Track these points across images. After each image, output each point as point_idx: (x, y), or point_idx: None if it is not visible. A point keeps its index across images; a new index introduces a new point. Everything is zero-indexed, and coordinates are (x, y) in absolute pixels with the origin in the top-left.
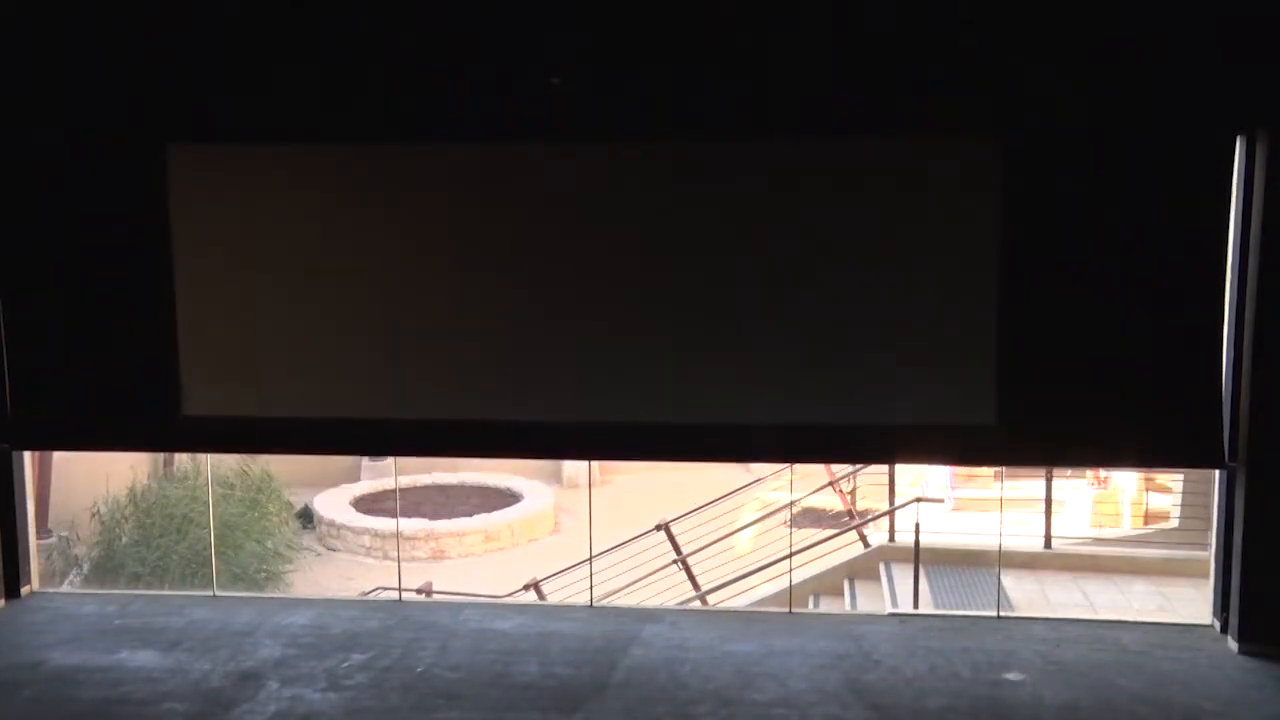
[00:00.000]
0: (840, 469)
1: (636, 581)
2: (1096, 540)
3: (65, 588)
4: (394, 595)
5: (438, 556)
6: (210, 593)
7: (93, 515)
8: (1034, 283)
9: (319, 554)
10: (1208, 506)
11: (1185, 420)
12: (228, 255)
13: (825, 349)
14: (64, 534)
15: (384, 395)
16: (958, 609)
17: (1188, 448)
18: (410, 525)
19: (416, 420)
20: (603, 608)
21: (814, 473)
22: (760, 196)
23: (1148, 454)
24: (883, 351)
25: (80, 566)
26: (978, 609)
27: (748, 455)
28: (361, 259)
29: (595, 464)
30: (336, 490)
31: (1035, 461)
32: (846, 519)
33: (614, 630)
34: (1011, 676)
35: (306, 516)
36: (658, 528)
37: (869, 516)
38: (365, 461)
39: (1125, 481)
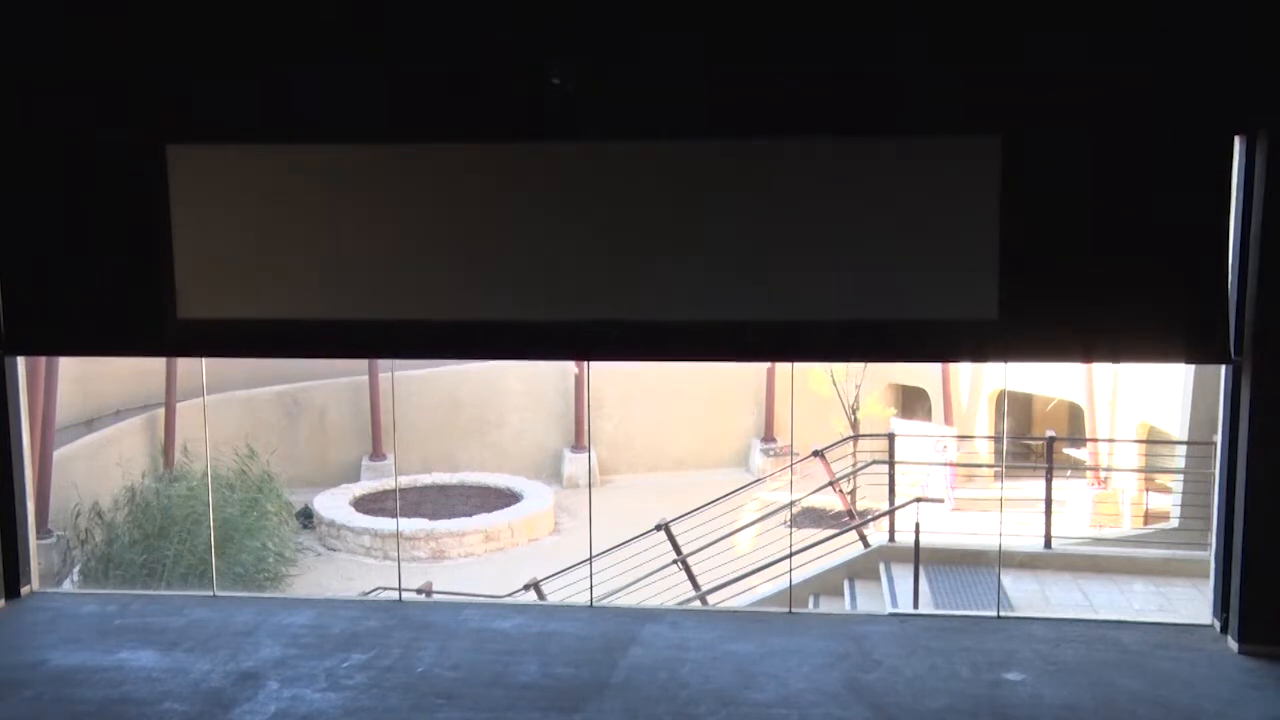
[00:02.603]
0: (840, 469)
1: (636, 581)
2: (1096, 540)
3: (65, 588)
4: (394, 595)
5: (438, 556)
6: (210, 593)
7: (92, 515)
8: (1037, 184)
9: (319, 554)
10: (1208, 506)
11: (1190, 314)
12: (224, 158)
13: (825, 245)
14: (63, 534)
15: (381, 297)
16: (958, 609)
17: (1193, 342)
18: (410, 525)
19: (416, 321)
20: (603, 608)
21: (814, 473)
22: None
23: (1152, 349)
24: (884, 247)
25: (77, 565)
26: (978, 609)
27: (747, 354)
28: (359, 166)
29: (595, 464)
30: (336, 490)
31: (1037, 356)
32: (846, 519)
33: (614, 630)
34: (1011, 676)
35: (306, 516)
36: (658, 528)
37: (869, 516)
38: (365, 461)
39: (1125, 481)
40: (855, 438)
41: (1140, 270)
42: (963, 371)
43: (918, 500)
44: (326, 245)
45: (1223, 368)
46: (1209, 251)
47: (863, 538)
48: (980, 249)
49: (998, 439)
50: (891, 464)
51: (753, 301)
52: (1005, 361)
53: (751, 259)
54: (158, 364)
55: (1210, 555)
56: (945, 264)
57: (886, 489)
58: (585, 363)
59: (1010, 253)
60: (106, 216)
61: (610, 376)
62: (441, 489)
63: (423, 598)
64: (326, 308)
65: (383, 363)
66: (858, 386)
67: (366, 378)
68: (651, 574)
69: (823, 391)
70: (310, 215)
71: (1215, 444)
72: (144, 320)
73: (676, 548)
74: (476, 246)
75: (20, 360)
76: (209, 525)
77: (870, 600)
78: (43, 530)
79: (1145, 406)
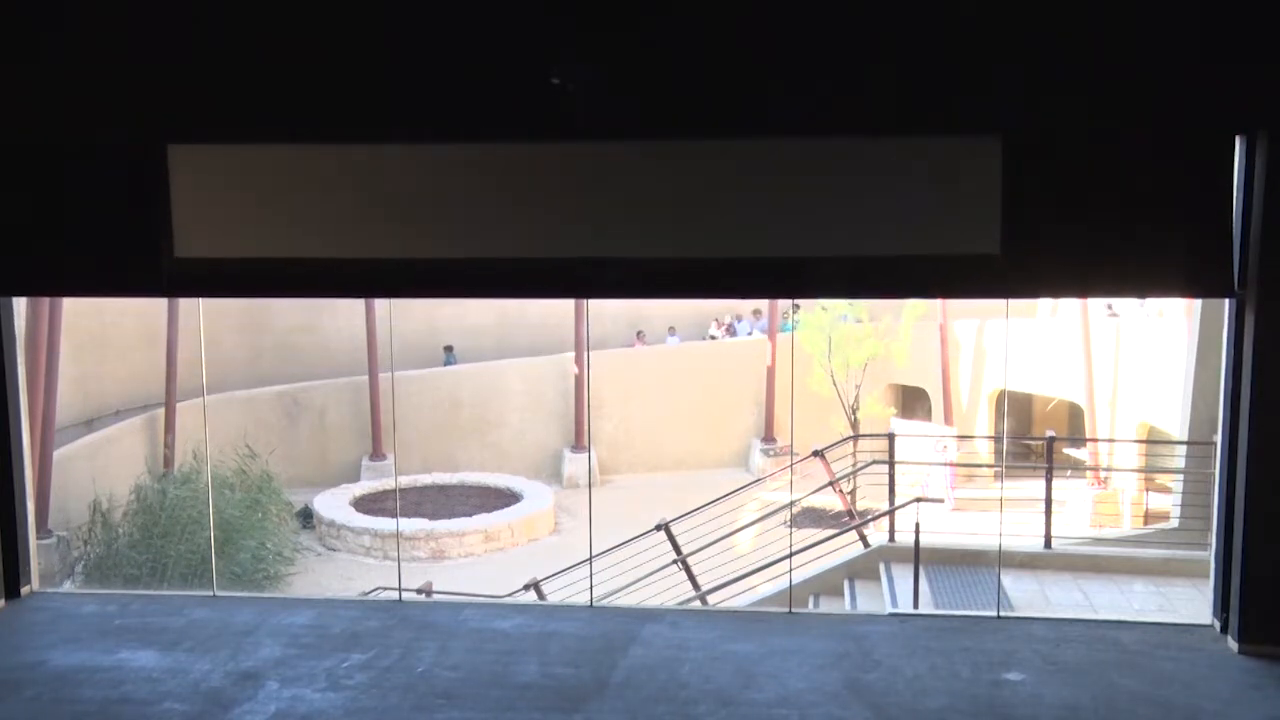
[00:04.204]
0: (840, 469)
1: (636, 581)
2: (1096, 540)
3: (65, 588)
4: (394, 595)
5: (438, 556)
6: (210, 593)
7: (94, 515)
8: (1040, 115)
9: (319, 554)
10: (1208, 506)
11: (1194, 247)
12: (221, 97)
13: (828, 180)
14: (63, 534)
15: (380, 234)
16: (958, 609)
17: (1196, 275)
18: (410, 525)
19: (417, 259)
20: (603, 608)
21: (814, 473)
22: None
23: (1155, 282)
24: (887, 182)
25: (78, 565)
26: (978, 609)
27: (752, 290)
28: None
29: (595, 464)
30: (336, 490)
31: (1039, 291)
32: (846, 519)
33: (614, 630)
34: (1011, 676)
35: (306, 516)
36: (658, 528)
37: (869, 516)
38: (365, 461)
39: (1125, 481)
40: (855, 438)
41: (1143, 203)
42: (963, 371)
43: (918, 500)
44: (325, 183)
45: (1223, 366)
46: (1213, 184)
47: (863, 538)
48: (983, 184)
49: (998, 439)
50: (891, 464)
51: (756, 238)
52: (1008, 297)
53: (755, 195)
54: (157, 364)
55: (1210, 555)
56: (948, 199)
57: (886, 489)
58: (584, 365)
59: (1013, 187)
60: (104, 159)
61: (610, 376)
62: (441, 489)
63: (423, 598)
64: (324, 246)
65: (382, 361)
66: (858, 386)
67: (366, 378)
68: (651, 574)
69: (823, 391)
70: (309, 164)
71: (1215, 444)
72: (140, 259)
73: (676, 548)
74: (474, 183)
75: (20, 360)
76: (209, 525)
77: (870, 600)
78: (43, 530)
79: (1145, 406)
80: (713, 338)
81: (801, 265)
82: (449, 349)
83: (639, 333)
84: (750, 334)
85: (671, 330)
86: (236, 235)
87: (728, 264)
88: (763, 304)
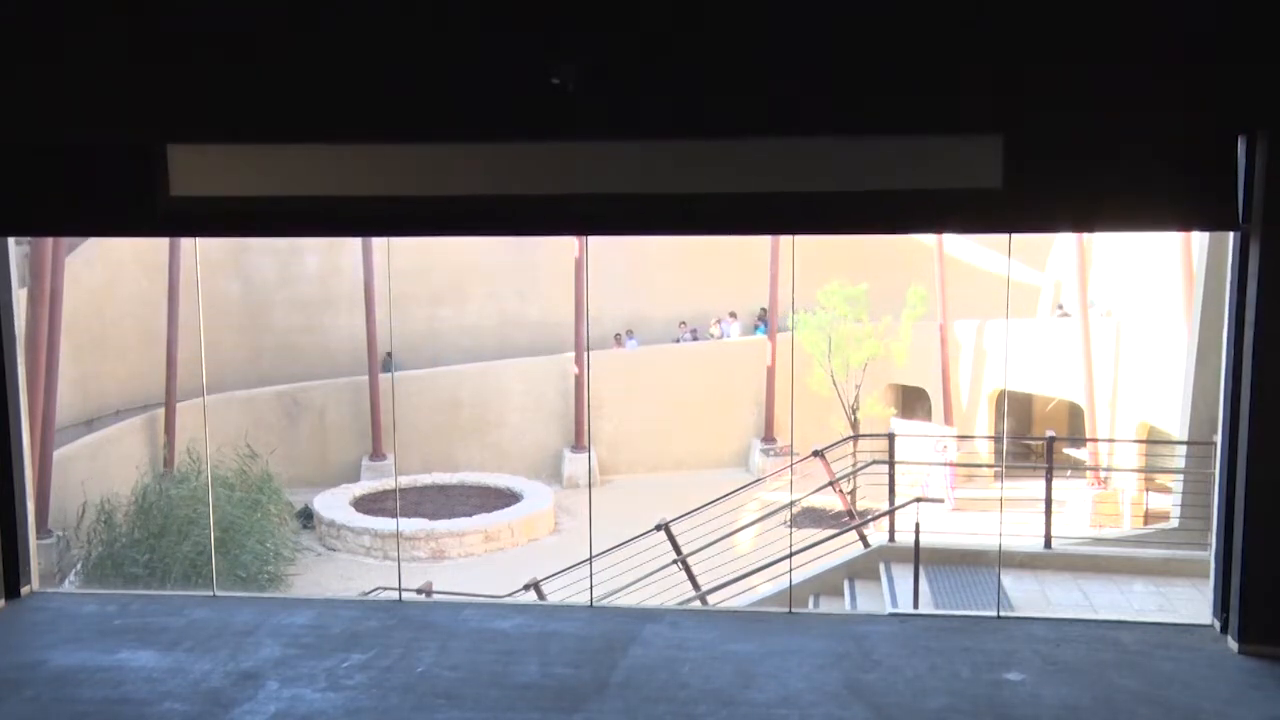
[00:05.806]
0: (840, 469)
1: (636, 581)
2: (1096, 540)
3: (65, 588)
4: (394, 595)
5: (438, 556)
6: (210, 593)
7: (95, 515)
8: (1040, 47)
9: (319, 554)
10: (1208, 506)
11: (1198, 180)
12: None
13: (827, 116)
14: (63, 534)
15: (381, 171)
16: (958, 609)
17: (1200, 208)
18: (410, 525)
19: (417, 196)
20: (603, 608)
21: (814, 473)
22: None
23: (1158, 216)
24: (887, 116)
25: (77, 564)
26: (978, 609)
27: (749, 227)
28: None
29: (595, 464)
30: (336, 490)
31: (1041, 226)
32: (846, 519)
33: (614, 630)
34: (1011, 676)
35: (306, 516)
36: (658, 528)
37: (869, 516)
38: (365, 461)
39: (1125, 481)
40: (855, 438)
41: (1145, 137)
42: (963, 371)
43: (918, 500)
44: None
45: (1223, 367)
46: (1216, 123)
47: (863, 538)
48: (984, 117)
49: (998, 439)
50: (891, 464)
51: (754, 173)
52: (1009, 231)
53: (757, 136)
54: (157, 364)
55: (1210, 555)
56: (949, 133)
57: (886, 489)
58: (584, 365)
59: (1014, 120)
60: (94, 87)
61: (610, 376)
62: (441, 489)
63: (423, 598)
64: (322, 184)
65: (382, 361)
66: (858, 386)
67: (366, 378)
68: (651, 574)
69: (823, 392)
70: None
71: (1215, 444)
72: (136, 198)
73: (676, 548)
74: (474, 124)
75: (20, 360)
76: (209, 525)
77: (870, 600)
78: (43, 530)
79: (1145, 406)
80: (677, 340)
81: (803, 200)
82: (388, 355)
83: (616, 335)
84: (726, 335)
85: (629, 333)
86: (235, 173)
87: (728, 200)
88: (738, 306)
